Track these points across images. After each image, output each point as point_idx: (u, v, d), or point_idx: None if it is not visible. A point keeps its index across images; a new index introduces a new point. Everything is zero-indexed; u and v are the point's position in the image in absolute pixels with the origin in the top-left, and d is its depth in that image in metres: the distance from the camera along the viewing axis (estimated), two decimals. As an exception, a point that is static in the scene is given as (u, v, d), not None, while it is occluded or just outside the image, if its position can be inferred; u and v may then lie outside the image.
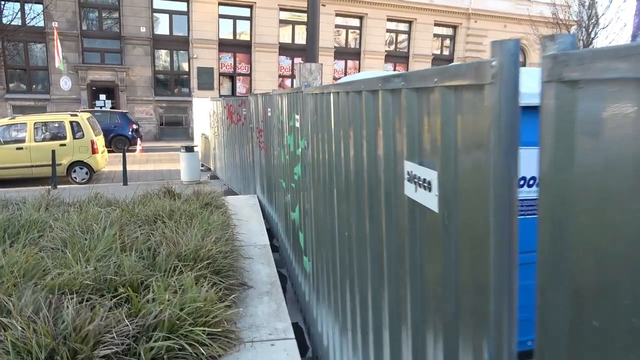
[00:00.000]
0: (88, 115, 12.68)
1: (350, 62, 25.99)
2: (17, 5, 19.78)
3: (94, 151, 11.98)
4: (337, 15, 24.73)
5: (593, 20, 27.87)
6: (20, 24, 18.99)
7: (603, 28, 26.38)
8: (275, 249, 6.36)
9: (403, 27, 26.68)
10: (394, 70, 26.55)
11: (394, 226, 1.81)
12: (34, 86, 21.20)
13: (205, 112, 14.35)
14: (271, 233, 6.83)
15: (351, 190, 2.41)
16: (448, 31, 27.63)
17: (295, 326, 4.48)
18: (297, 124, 3.73)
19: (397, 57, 26.69)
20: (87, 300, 2.97)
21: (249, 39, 23.82)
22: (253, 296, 3.99)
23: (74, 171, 11.97)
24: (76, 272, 3.23)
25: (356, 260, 2.41)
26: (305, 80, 8.07)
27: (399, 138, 1.71)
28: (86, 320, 2.68)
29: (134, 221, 4.81)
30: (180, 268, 3.55)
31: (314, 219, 3.41)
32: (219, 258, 3.92)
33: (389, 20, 25.80)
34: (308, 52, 7.69)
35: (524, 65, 28.61)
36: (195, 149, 12.04)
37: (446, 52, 27.86)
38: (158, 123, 22.77)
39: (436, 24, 26.69)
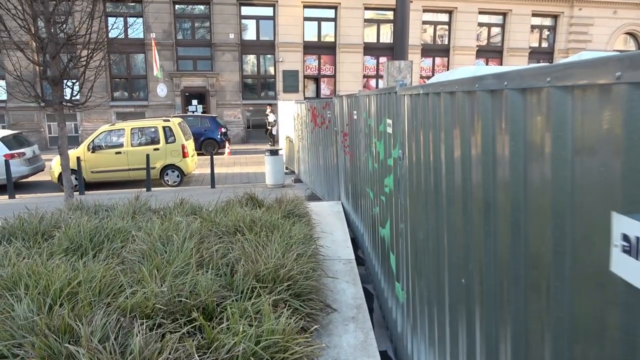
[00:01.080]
0: (179, 120, 13.13)
1: (438, 60, 24.86)
2: (121, 19, 21.28)
3: (184, 155, 12.35)
4: (424, 11, 23.75)
5: None
6: (123, 36, 20.39)
7: None
8: (359, 260, 5.92)
9: (496, 19, 24.99)
10: (487, 64, 24.95)
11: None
12: (134, 94, 22.69)
13: (289, 114, 14.29)
14: (355, 243, 6.40)
15: (476, 230, 1.84)
16: (547, 21, 25.41)
17: (384, 355, 4.00)
18: (389, 130, 3.25)
19: (489, 51, 25.07)
20: (158, 327, 2.73)
21: (333, 40, 23.63)
22: (337, 322, 3.56)
23: (166, 174, 12.43)
24: (149, 291, 3.01)
25: (480, 319, 1.85)
26: (394, 79, 7.55)
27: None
28: (155, 353, 2.42)
29: (215, 232, 4.60)
30: (259, 290, 3.22)
31: (410, 242, 2.91)
32: (300, 279, 3.54)
33: (481, 13, 24.29)
34: (397, 49, 7.16)
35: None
36: (280, 152, 11.96)
37: (545, 45, 25.65)
38: (245, 126, 23.34)
39: (534, 14, 24.65)
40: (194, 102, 22.59)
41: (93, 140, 12.24)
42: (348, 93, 6.67)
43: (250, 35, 23.20)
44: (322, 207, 7.54)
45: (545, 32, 25.65)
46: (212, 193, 10.86)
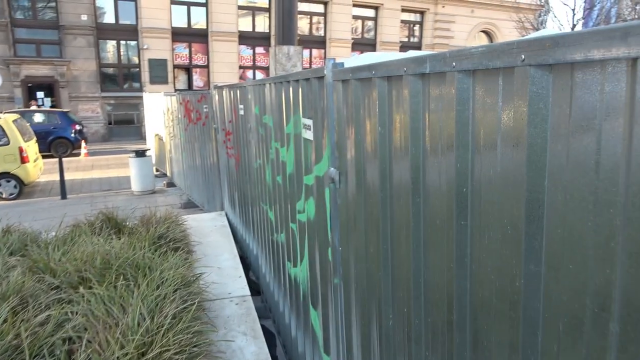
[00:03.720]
0: (15, 116, 10.60)
1: (315, 51, 24.44)
2: None
3: (23, 160, 9.96)
4: (300, 0, 23.06)
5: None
6: None
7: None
8: (252, 285, 4.84)
9: (369, 13, 25.34)
10: (362, 59, 25.23)
11: None
12: (-42, 84, 18.52)
13: (158, 109, 12.48)
14: (244, 262, 5.30)
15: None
16: (416, 17, 26.49)
17: None
18: (308, 134, 2.21)
19: (364, 44, 25.34)
20: None
21: (205, 27, 21.81)
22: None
23: (-1, 185, 9.93)
24: None
25: None
26: (282, 67, 6.53)
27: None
28: None
29: (48, 284, 3.16)
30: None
31: (357, 313, 1.91)
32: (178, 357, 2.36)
33: (355, 5, 24.39)
34: (284, 32, 6.13)
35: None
36: (148, 153, 10.24)
37: (414, 40, 26.74)
38: (106, 122, 20.50)
39: (403, 10, 25.48)
40: (40, 94, 19.16)
41: None
42: (227, 84, 5.48)
43: (108, 18, 20.33)
44: (203, 221, 6.25)
45: (415, 28, 26.72)
46: (62, 207, 8.82)
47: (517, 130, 0.99)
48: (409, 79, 1.36)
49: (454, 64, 1.18)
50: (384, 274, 1.67)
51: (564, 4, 25.09)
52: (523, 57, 0.95)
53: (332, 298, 2.16)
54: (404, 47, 25.83)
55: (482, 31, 27.88)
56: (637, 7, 36.70)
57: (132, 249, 3.67)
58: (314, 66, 25.01)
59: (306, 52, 24.11)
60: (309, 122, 2.16)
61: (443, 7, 25.89)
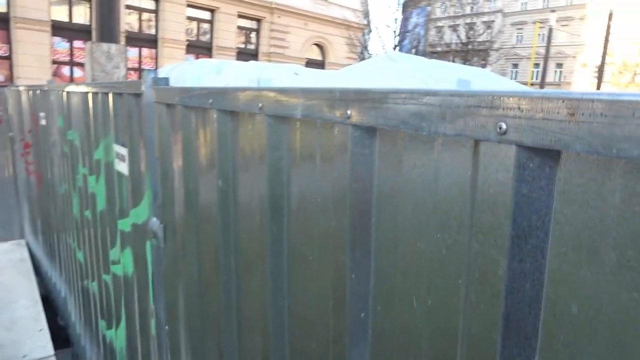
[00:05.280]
0: None
1: (145, 51, 22.59)
2: None
3: None
4: (127, -7, 21.07)
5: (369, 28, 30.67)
6: None
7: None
8: (61, 331, 3.94)
9: (205, 15, 24.45)
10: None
11: None
12: None
13: None
14: (50, 303, 4.33)
15: None
16: (252, 24, 26.45)
17: None
18: (122, 167, 1.64)
19: (199, 47, 24.35)
20: None
21: (5, 10, 18.40)
22: None
23: None
24: None
25: None
26: (102, 68, 5.54)
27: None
28: None
29: None
30: None
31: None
32: None
33: (190, 5, 23.26)
34: (104, 27, 5.21)
35: (322, 63, 29.33)
36: None
37: (251, 47, 26.67)
38: None
39: (240, 16, 25.18)
40: None
41: None
42: (32, 83, 4.42)
43: None
44: (-5, 254, 4.97)
45: (253, 35, 26.65)
46: None
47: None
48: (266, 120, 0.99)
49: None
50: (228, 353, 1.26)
51: (387, 26, 27.82)
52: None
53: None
54: (241, 53, 25.52)
55: (316, 44, 29.14)
56: (440, 34, 42.75)
57: None
58: (144, 67, 23.16)
59: (134, 51, 22.11)
60: (124, 151, 1.60)
61: (279, 17, 26.33)
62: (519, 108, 0.62)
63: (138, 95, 1.45)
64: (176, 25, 22.74)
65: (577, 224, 0.60)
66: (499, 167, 0.66)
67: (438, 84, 1.97)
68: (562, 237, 0.63)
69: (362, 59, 30.98)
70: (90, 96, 2.17)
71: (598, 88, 19.54)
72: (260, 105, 0.97)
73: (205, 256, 1.30)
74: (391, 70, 2.26)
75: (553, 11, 26.24)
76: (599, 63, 22.21)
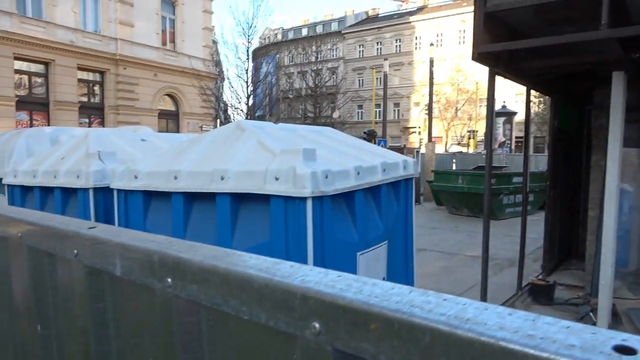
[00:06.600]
0: None
1: (-37, 109, 19.75)
2: None
3: None
4: None
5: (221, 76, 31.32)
6: None
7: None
8: None
9: (38, 68, 22.35)
10: (31, 118, 21.85)
11: None
12: None
13: None
14: None
15: None
16: (95, 77, 24.91)
17: None
18: None
19: (34, 103, 22.10)
20: None
21: None
22: None
23: None
24: None
25: None
26: None
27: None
28: None
29: None
30: None
31: None
32: None
33: (17, 59, 21.06)
34: None
35: (176, 114, 28.71)
36: None
37: (95, 100, 25.00)
38: None
39: (80, 68, 23.53)
40: None
41: None
42: None
43: None
44: None
45: (94, 87, 25.06)
46: None
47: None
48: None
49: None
50: None
51: (238, 76, 28.28)
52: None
53: None
54: (85, 107, 23.75)
55: (168, 94, 28.42)
56: (290, 80, 45.02)
57: None
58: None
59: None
60: None
61: (124, 68, 25.22)
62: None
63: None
64: (2, 80, 20.34)
65: None
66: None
67: (284, 155, 2.09)
68: None
69: (217, 108, 31.02)
70: None
71: (430, 123, 22.24)
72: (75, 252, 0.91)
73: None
74: (240, 141, 2.33)
75: (386, 59, 29.46)
76: (427, 102, 25.46)
